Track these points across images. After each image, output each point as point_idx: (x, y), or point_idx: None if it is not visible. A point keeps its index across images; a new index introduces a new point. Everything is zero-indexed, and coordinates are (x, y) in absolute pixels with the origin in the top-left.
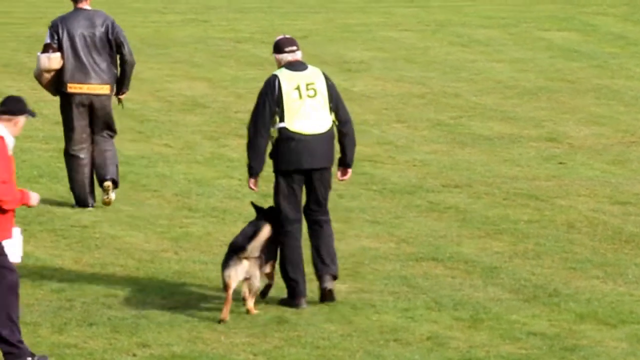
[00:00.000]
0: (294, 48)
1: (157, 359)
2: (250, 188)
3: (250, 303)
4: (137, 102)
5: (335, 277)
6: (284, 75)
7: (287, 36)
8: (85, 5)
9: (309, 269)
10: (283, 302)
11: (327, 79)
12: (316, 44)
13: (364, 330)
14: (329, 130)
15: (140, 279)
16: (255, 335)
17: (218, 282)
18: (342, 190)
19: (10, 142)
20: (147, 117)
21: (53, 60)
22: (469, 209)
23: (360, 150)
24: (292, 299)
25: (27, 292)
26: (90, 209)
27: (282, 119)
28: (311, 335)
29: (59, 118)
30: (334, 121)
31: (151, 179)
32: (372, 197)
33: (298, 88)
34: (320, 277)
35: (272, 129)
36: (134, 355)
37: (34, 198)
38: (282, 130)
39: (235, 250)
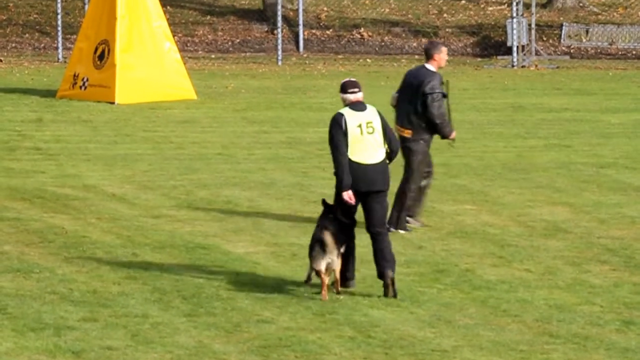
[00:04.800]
0: (356, 90)
1: None
2: (349, 200)
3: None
4: (498, 227)
5: (393, 271)
6: (348, 113)
7: (352, 79)
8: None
9: None
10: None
11: (381, 117)
12: None
13: None
14: (383, 160)
15: None
16: None
17: None
18: None
19: None
20: (507, 242)
21: None
22: None
23: None
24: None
25: None
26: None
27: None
28: None
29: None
30: (386, 150)
31: (512, 304)
32: None
33: (360, 126)
34: (382, 273)
35: None
36: None
37: None
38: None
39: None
